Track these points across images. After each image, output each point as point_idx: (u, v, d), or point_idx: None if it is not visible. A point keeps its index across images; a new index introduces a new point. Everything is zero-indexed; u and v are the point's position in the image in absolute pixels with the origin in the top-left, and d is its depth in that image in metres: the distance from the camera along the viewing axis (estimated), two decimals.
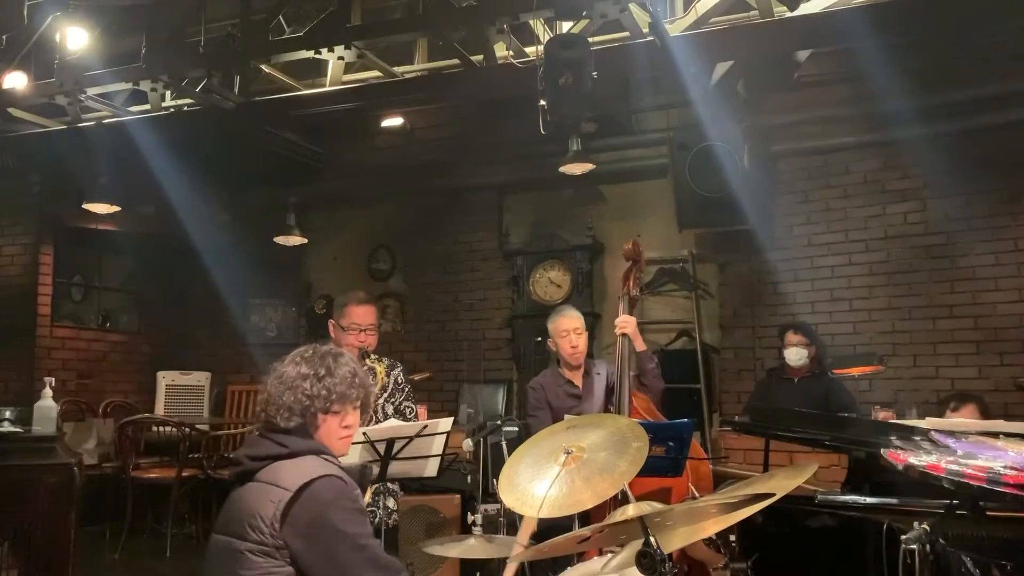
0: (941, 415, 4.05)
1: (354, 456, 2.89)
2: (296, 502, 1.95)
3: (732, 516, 2.02)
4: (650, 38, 4.21)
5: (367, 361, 3.42)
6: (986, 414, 4.11)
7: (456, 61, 4.82)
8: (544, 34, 4.27)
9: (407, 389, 3.65)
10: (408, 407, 3.61)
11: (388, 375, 3.58)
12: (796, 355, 5.02)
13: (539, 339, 6.30)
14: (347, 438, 2.23)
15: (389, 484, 3.43)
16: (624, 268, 3.95)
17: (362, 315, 3.51)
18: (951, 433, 2.26)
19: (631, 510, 2.31)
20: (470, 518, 3.37)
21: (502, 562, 3.38)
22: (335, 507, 1.97)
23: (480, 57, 4.73)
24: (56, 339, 7.19)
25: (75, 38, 5.03)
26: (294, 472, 2.01)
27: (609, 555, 2.55)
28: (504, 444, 3.89)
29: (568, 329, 3.91)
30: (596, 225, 6.75)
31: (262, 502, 1.98)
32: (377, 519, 3.38)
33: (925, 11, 4.13)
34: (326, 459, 2.09)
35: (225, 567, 1.99)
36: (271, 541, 1.94)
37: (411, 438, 3.03)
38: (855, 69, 5.42)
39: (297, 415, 2.11)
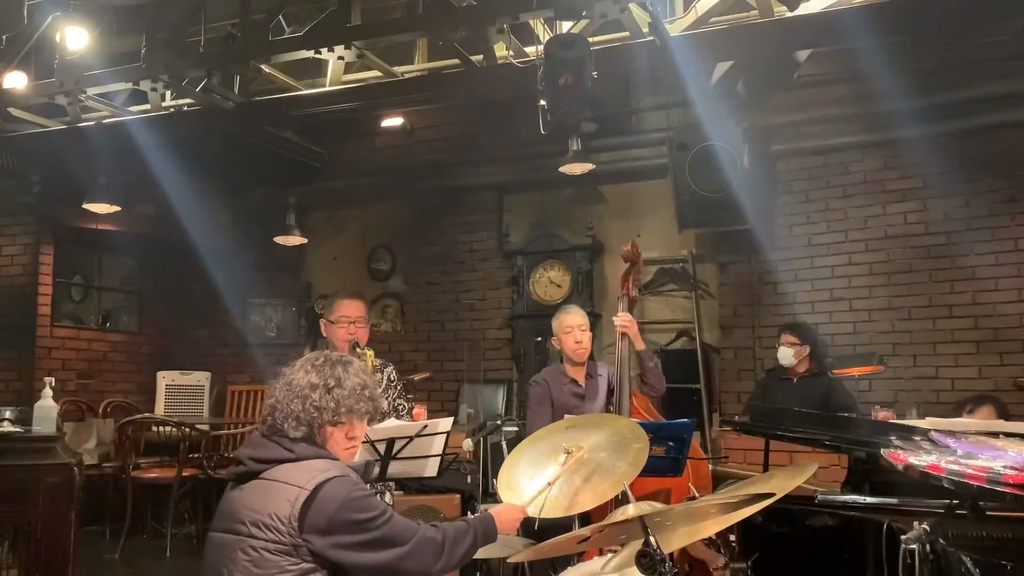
0: (956, 416, 4.01)
1: (355, 456, 2.89)
2: (314, 500, 1.98)
3: (732, 516, 2.02)
4: (650, 38, 4.21)
5: (356, 351, 3.39)
6: (1004, 415, 4.04)
7: (456, 61, 4.82)
8: (544, 34, 4.26)
9: (399, 387, 3.65)
10: (401, 404, 3.61)
11: (382, 371, 3.57)
12: (783, 355, 5.06)
13: (539, 339, 6.29)
14: (352, 449, 2.25)
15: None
16: (623, 269, 3.96)
17: (351, 308, 3.52)
18: (951, 433, 2.25)
19: (631, 510, 2.31)
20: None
21: (502, 562, 3.38)
22: (350, 501, 2.01)
23: (480, 57, 4.72)
24: (56, 339, 7.19)
25: (75, 38, 5.01)
26: (306, 472, 2.03)
27: (609, 555, 2.55)
28: (504, 444, 3.89)
29: (572, 325, 3.89)
30: (596, 225, 6.75)
31: (277, 501, 1.99)
32: None
33: (925, 11, 4.13)
34: (333, 460, 2.12)
35: (232, 565, 1.99)
36: (288, 540, 1.96)
37: (411, 438, 3.02)
38: (855, 69, 5.43)
39: (304, 425, 2.13)
